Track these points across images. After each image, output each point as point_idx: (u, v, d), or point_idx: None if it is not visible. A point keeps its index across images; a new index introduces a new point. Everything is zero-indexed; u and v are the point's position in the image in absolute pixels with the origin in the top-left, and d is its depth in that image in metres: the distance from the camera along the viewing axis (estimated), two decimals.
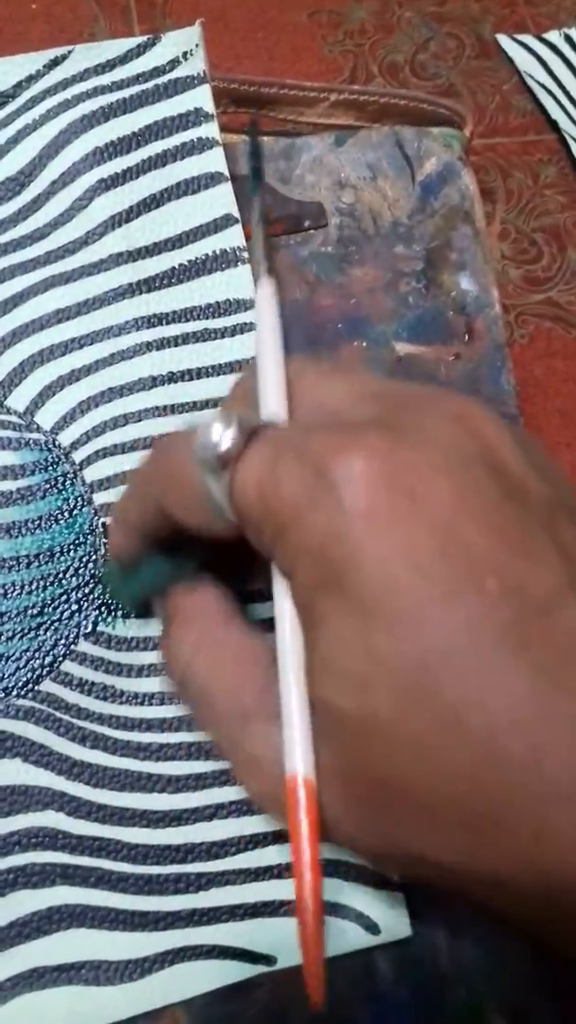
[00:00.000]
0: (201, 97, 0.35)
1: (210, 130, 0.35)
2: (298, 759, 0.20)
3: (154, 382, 0.33)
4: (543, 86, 0.56)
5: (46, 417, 0.33)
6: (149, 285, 0.34)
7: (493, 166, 0.53)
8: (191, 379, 0.33)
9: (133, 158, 0.35)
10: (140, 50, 0.35)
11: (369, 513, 0.18)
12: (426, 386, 0.23)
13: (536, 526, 0.19)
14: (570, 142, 0.54)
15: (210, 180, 0.35)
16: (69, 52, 0.35)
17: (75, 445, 0.32)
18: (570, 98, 0.56)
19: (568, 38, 0.59)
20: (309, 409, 0.22)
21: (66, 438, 0.32)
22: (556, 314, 0.49)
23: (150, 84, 0.35)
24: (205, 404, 0.33)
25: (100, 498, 0.32)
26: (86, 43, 0.35)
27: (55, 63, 0.35)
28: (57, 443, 0.32)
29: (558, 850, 0.17)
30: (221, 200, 0.35)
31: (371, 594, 0.18)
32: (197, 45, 0.35)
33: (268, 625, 0.22)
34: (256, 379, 0.24)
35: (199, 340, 0.34)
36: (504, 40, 0.57)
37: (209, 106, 0.35)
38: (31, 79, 0.35)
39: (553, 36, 0.59)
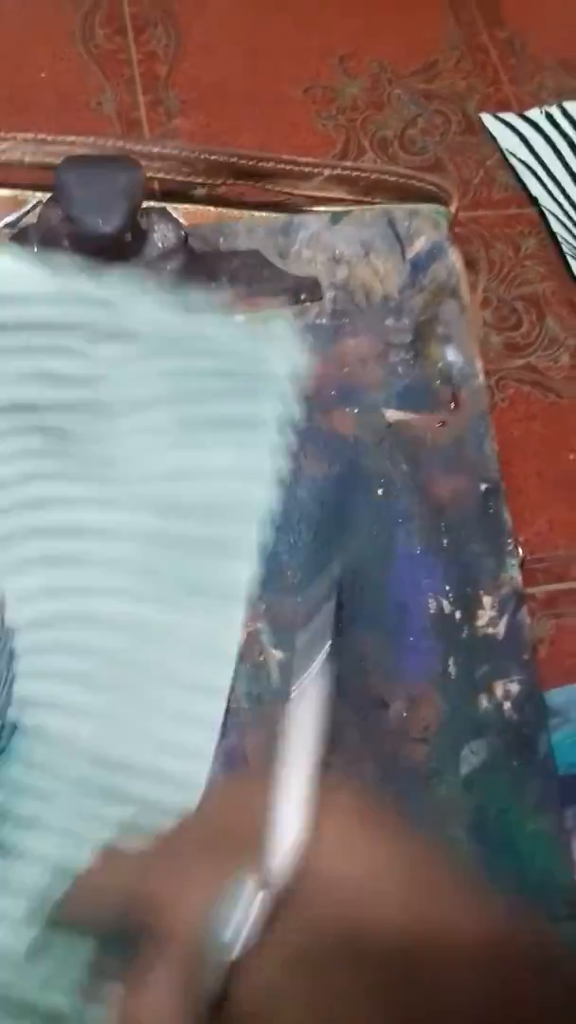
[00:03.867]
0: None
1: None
2: None
3: None
4: (524, 163, 0.59)
5: None
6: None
7: (476, 237, 0.56)
8: None
9: (209, 436, 0.37)
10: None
11: None
12: None
13: None
14: (549, 216, 0.57)
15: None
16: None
17: None
18: (549, 174, 0.59)
19: (549, 116, 0.62)
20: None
21: None
22: (535, 379, 0.52)
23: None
24: None
25: None
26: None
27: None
28: None
29: None
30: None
31: None
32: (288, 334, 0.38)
33: None
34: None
35: None
36: (487, 119, 0.60)
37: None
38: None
39: (534, 114, 0.62)
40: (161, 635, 0.35)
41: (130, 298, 0.37)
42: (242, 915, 0.19)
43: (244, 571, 0.36)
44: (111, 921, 0.23)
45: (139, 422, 0.37)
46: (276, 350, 0.38)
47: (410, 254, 0.42)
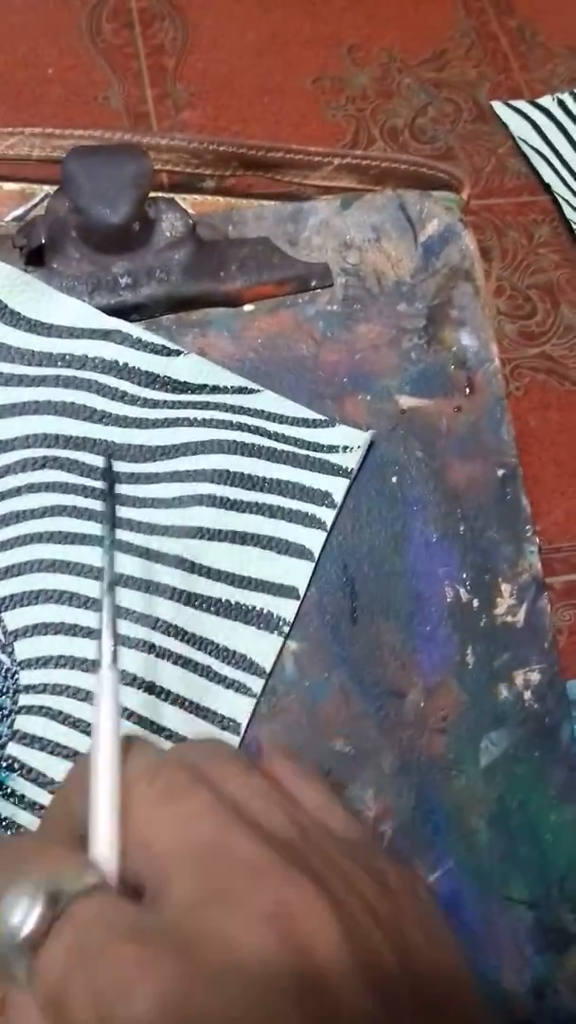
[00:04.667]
0: (337, 487, 0.37)
1: (327, 515, 0.37)
2: None
3: None
4: (536, 150, 0.58)
5: None
6: (188, 599, 0.35)
7: (489, 226, 0.55)
8: None
9: (250, 495, 0.36)
10: (313, 423, 0.38)
11: None
12: (258, 837, 0.21)
13: None
14: (562, 203, 0.56)
15: (299, 552, 0.36)
16: (260, 391, 0.38)
17: None
18: (562, 161, 0.58)
19: (561, 103, 0.61)
20: (137, 848, 0.21)
21: None
22: (550, 367, 0.51)
23: (304, 452, 0.37)
24: None
25: None
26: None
27: (242, 391, 0.38)
28: None
29: None
30: (297, 573, 0.36)
31: None
32: (359, 447, 0.37)
33: None
34: (88, 804, 0.22)
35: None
36: (498, 106, 0.60)
37: (339, 497, 0.37)
38: (216, 390, 0.38)
39: (546, 101, 0.61)
40: (175, 707, 0.34)
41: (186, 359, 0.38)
42: (26, 904, 0.19)
43: (273, 645, 0.35)
44: None
45: (173, 467, 0.36)
46: (340, 434, 0.38)
47: (422, 238, 0.41)
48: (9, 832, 0.32)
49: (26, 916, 0.19)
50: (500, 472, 0.38)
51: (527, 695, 0.36)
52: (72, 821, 0.22)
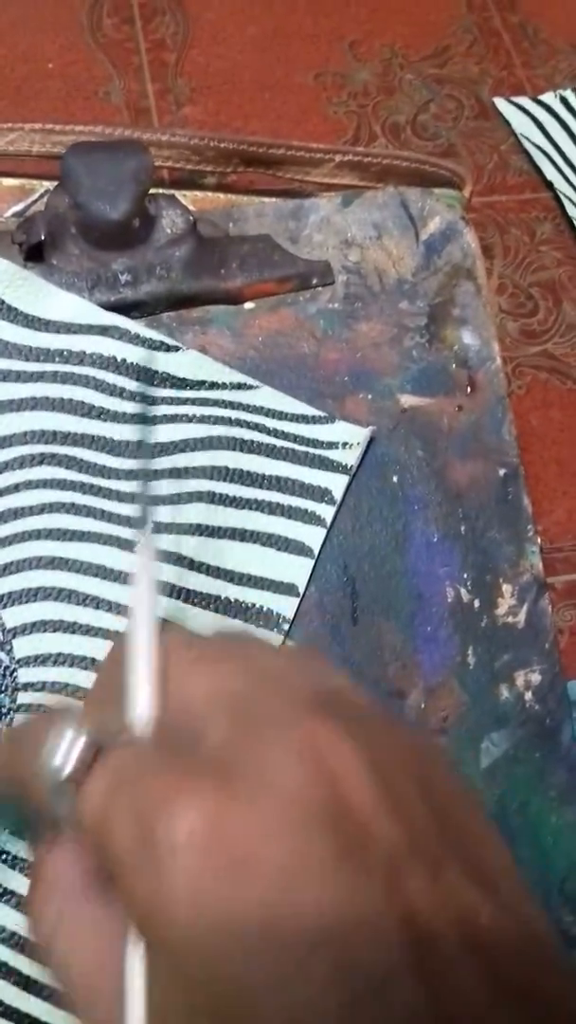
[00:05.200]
0: (337, 483, 0.37)
1: (326, 512, 0.36)
2: None
3: None
4: (538, 147, 0.58)
5: None
6: (187, 596, 0.35)
7: (491, 223, 0.55)
8: None
9: (248, 492, 0.36)
10: (313, 419, 0.37)
11: (190, 892, 0.18)
12: (288, 685, 0.22)
13: (374, 888, 0.18)
14: (565, 201, 0.56)
15: (299, 549, 0.36)
16: (259, 386, 0.37)
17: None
18: (565, 158, 0.58)
19: (563, 100, 0.61)
20: (174, 709, 0.22)
21: None
22: (552, 366, 0.51)
23: (303, 448, 0.37)
24: None
25: None
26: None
27: (241, 387, 0.37)
28: None
29: None
30: (297, 571, 0.36)
31: (194, 978, 0.18)
32: (359, 443, 0.37)
33: None
34: (125, 666, 0.23)
35: None
36: (501, 103, 0.59)
37: (339, 494, 0.37)
38: (214, 386, 0.37)
39: (548, 98, 0.61)
40: None
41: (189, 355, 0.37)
42: (67, 743, 0.20)
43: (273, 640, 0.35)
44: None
45: (171, 464, 0.36)
46: (339, 430, 0.37)
47: (424, 235, 0.41)
48: (8, 831, 0.32)
49: (67, 757, 0.20)
50: (501, 471, 0.38)
51: (528, 696, 0.36)
52: (110, 691, 0.23)
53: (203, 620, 0.34)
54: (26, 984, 0.30)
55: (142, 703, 0.22)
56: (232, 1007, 0.17)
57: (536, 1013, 0.17)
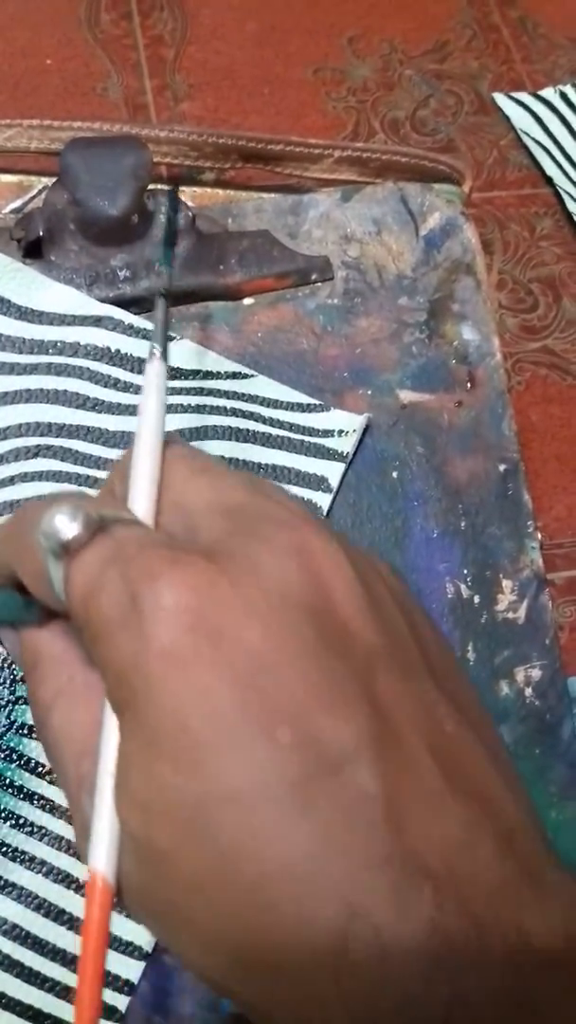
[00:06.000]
0: (333, 472, 0.37)
1: (323, 500, 0.36)
2: (100, 857, 0.19)
3: None
4: (538, 143, 0.58)
5: None
6: None
7: (491, 218, 0.55)
8: None
9: None
10: (308, 407, 0.37)
11: (169, 652, 0.18)
12: (287, 505, 0.22)
13: (349, 678, 0.19)
14: (565, 196, 0.56)
15: None
16: (254, 375, 0.37)
17: None
18: (565, 154, 0.58)
19: (563, 95, 0.61)
20: (171, 509, 0.22)
21: None
22: (552, 361, 0.51)
23: (299, 437, 0.37)
24: None
25: None
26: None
27: (236, 376, 0.37)
28: None
29: (320, 1005, 0.17)
30: None
31: (161, 730, 0.18)
32: (355, 431, 0.37)
33: None
34: (129, 470, 0.24)
35: None
36: (500, 99, 0.59)
37: (335, 482, 0.37)
38: (209, 375, 0.37)
39: (548, 93, 0.61)
40: None
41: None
42: (69, 513, 0.21)
43: None
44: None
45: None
46: (335, 418, 0.37)
47: (423, 231, 0.41)
48: (9, 824, 0.32)
49: (67, 526, 0.20)
50: (501, 467, 0.38)
51: (528, 692, 0.36)
52: (114, 496, 0.24)
53: None
54: (28, 976, 0.30)
55: (143, 500, 0.23)
56: (193, 759, 0.18)
57: (485, 809, 0.18)
